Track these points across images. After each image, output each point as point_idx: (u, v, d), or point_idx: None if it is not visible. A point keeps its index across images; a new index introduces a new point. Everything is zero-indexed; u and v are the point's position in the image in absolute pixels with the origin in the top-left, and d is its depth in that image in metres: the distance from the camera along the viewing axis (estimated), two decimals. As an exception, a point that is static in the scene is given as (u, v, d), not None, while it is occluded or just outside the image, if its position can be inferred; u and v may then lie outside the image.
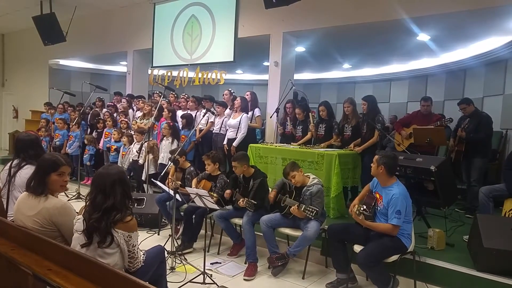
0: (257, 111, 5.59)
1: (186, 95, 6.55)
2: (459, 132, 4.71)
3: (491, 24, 5.18)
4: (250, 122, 5.46)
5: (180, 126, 5.71)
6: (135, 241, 2.04)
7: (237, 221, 3.72)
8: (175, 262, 3.36)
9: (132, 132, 5.93)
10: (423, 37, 5.95)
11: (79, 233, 1.97)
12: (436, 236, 3.37)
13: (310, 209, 3.14)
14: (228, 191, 3.74)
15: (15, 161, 2.74)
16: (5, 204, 2.64)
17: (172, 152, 4.45)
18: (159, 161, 5.36)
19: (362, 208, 2.90)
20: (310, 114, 5.29)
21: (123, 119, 6.44)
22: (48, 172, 2.18)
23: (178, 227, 4.16)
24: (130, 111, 7.00)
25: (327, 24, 5.45)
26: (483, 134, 4.55)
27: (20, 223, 2.15)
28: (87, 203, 2.02)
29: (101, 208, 1.93)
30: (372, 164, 3.01)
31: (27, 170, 2.62)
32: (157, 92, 7.08)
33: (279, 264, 3.33)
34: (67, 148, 6.79)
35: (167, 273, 2.56)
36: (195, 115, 5.94)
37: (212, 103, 5.98)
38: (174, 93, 6.67)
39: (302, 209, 3.18)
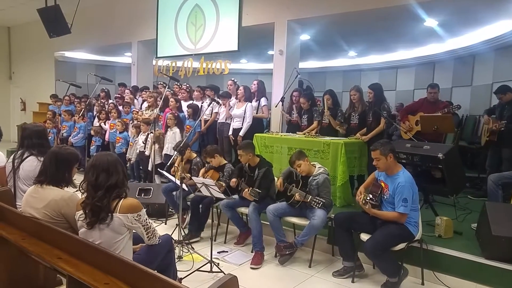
0: (263, 101, 5.53)
1: (187, 85, 6.51)
2: (496, 125, 4.38)
3: (501, 7, 5.04)
4: (256, 112, 5.44)
5: (186, 116, 5.72)
6: (144, 216, 2.07)
7: (243, 210, 3.74)
8: (183, 251, 3.39)
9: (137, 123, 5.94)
10: (430, 22, 5.82)
11: (84, 225, 1.99)
12: (444, 224, 3.35)
13: (317, 200, 3.14)
14: (234, 179, 3.76)
15: (19, 152, 2.75)
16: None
17: (177, 145, 4.46)
18: (164, 152, 5.38)
19: (368, 198, 2.89)
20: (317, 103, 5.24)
21: (135, 110, 6.45)
22: (73, 164, 2.32)
23: (185, 217, 4.19)
24: (136, 102, 7.01)
25: (332, 11, 5.35)
26: None
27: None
28: (87, 186, 2.01)
29: (104, 186, 1.96)
30: (376, 161, 2.92)
31: (30, 163, 2.64)
32: (161, 82, 7.06)
33: (287, 253, 3.35)
34: (70, 138, 6.84)
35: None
36: (201, 105, 5.93)
37: (215, 94, 5.95)
38: (178, 83, 6.65)
39: (308, 200, 3.18)
